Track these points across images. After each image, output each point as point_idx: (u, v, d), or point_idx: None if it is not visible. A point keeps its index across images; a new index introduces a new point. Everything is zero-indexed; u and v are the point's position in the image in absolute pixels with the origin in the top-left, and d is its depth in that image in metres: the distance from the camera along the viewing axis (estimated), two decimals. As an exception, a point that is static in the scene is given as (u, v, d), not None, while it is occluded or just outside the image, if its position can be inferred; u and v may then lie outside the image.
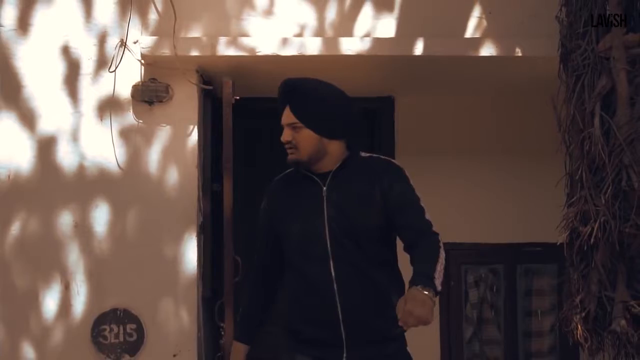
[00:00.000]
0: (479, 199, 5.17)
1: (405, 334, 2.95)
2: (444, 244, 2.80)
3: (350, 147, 3.06)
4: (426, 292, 2.62)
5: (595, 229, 3.50)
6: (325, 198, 2.96)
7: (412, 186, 2.99)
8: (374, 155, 3.09)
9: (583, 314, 3.61)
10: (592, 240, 3.52)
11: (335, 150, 3.02)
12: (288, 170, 3.12)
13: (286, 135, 2.97)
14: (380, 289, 2.93)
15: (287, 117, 2.97)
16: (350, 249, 2.91)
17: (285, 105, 2.98)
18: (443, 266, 2.80)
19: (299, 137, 2.96)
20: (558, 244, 3.76)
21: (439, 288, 2.70)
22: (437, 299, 2.70)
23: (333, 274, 2.90)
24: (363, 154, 3.08)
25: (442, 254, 2.82)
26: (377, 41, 4.25)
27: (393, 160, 3.09)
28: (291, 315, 2.98)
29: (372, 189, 2.95)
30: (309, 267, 2.94)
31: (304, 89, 3.00)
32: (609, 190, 3.50)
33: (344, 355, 2.90)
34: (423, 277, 2.68)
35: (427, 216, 2.94)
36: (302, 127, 2.95)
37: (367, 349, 2.90)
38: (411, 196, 2.97)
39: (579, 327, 3.61)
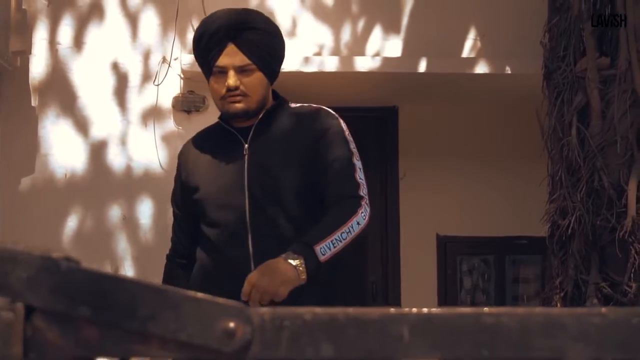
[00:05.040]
0: (472, 197, 5.31)
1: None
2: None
3: (275, 95, 2.43)
4: (290, 261, 2.00)
5: (572, 222, 3.64)
6: (247, 157, 2.31)
7: (345, 135, 2.32)
8: (305, 104, 2.43)
9: (562, 294, 3.72)
10: (569, 231, 3.66)
11: (269, 99, 2.38)
12: (203, 129, 2.53)
13: (234, 80, 2.26)
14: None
15: (236, 57, 2.27)
16: (274, 219, 2.25)
17: (225, 44, 2.27)
18: (349, 235, 2.10)
19: (250, 82, 2.28)
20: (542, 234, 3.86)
21: (323, 257, 2.03)
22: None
23: (251, 250, 2.25)
24: (292, 104, 2.41)
25: (354, 220, 2.13)
26: (386, 60, 4.47)
27: (326, 107, 2.40)
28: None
29: (301, 141, 2.30)
30: (224, 244, 2.30)
31: (255, 24, 2.32)
32: (583, 189, 3.65)
33: None
34: (300, 245, 2.06)
35: (359, 176, 2.26)
36: (254, 70, 2.29)
37: None
38: (341, 149, 2.28)
39: (558, 305, 3.69)
